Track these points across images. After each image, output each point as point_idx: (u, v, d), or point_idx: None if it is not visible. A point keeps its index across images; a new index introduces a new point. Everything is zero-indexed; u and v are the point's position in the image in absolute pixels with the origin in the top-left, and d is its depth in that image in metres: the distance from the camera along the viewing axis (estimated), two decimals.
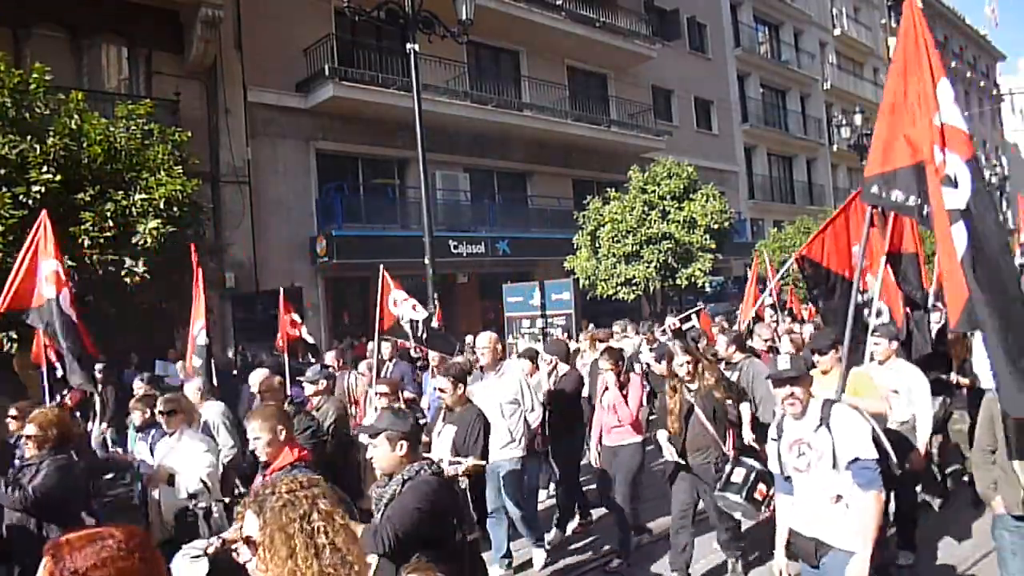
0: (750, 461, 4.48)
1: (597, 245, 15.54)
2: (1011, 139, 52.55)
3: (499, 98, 17.42)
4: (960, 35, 45.47)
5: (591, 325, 12.57)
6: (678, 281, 15.21)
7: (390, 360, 8.28)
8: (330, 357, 8.87)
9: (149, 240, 7.86)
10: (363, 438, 3.40)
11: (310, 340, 9.61)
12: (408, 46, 10.09)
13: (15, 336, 7.54)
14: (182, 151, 9.29)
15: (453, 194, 16.72)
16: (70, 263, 7.42)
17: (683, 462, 4.95)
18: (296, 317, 8.81)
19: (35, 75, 8.03)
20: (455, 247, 15.45)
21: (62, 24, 11.96)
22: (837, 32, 32.55)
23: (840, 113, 28.59)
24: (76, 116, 8.14)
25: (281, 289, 9.07)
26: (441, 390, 4.98)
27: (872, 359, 5.10)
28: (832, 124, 29.13)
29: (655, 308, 16.31)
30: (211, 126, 13.39)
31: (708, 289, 15.67)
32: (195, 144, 10.47)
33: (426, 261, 9.34)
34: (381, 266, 7.51)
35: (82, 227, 7.61)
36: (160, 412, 4.88)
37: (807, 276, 5.48)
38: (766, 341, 8.07)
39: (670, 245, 14.86)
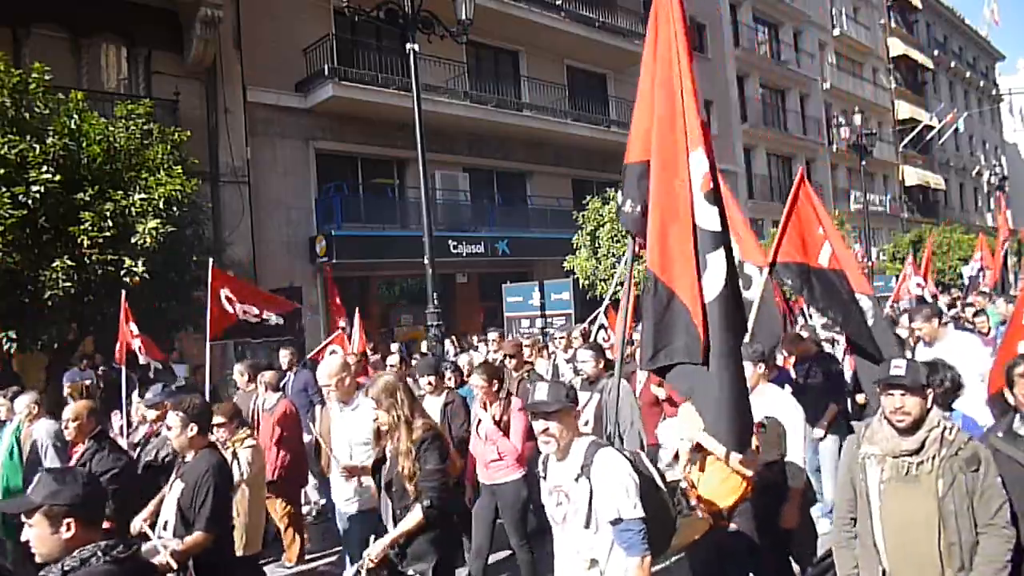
0: None
1: (597, 245, 15.53)
2: (1010, 139, 52.57)
3: (498, 98, 17.42)
4: (959, 35, 45.49)
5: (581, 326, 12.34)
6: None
7: (290, 370, 7.53)
8: (284, 356, 7.71)
9: (148, 240, 7.85)
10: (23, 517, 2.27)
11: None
12: (408, 46, 10.07)
13: (15, 336, 7.52)
14: (181, 151, 9.28)
15: (453, 194, 16.71)
16: (69, 263, 7.43)
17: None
18: (134, 328, 7.01)
19: (34, 75, 8.01)
20: (455, 247, 15.45)
21: (61, 24, 11.95)
22: (836, 32, 32.56)
23: (839, 113, 28.59)
24: (75, 116, 8.13)
25: (123, 293, 7.30)
26: (169, 427, 3.86)
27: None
28: (831, 124, 29.14)
29: None
30: (210, 126, 13.38)
31: None
32: (194, 144, 10.46)
33: (426, 261, 9.32)
34: (211, 260, 6.76)
35: (81, 227, 7.60)
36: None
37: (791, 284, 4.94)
38: None
39: None
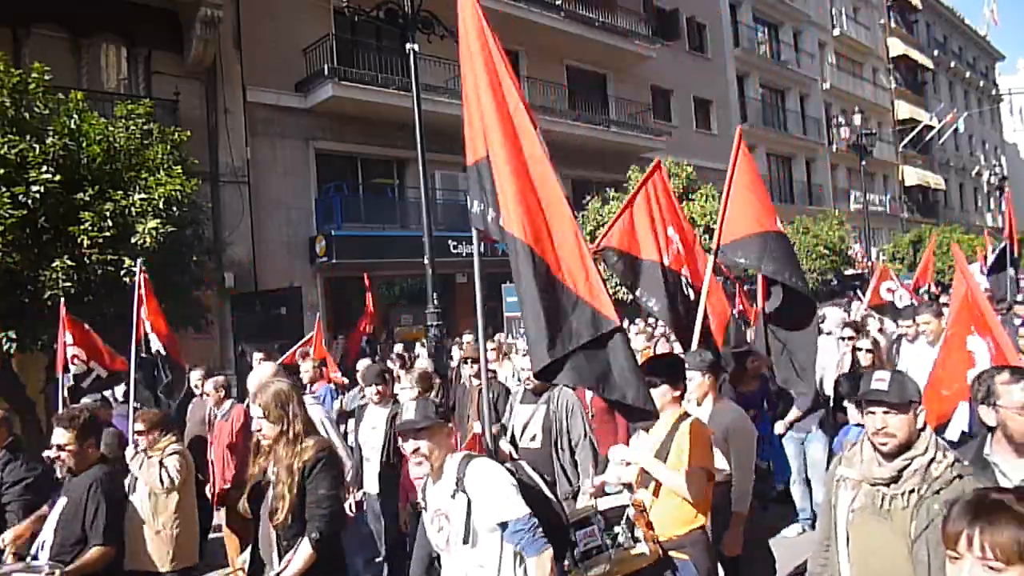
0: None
1: None
2: (1010, 139, 52.58)
3: None
4: (959, 35, 45.51)
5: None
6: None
7: (218, 406, 6.35)
8: (261, 362, 6.73)
9: (148, 240, 7.85)
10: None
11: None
12: (407, 46, 10.07)
13: (14, 336, 7.52)
14: (181, 151, 9.28)
15: (453, 194, 16.71)
16: (69, 263, 7.43)
17: None
18: (69, 337, 6.30)
19: (34, 75, 8.01)
20: (455, 247, 15.44)
21: (61, 24, 11.95)
22: (836, 32, 32.56)
23: (839, 113, 28.58)
24: (75, 116, 8.12)
25: (62, 300, 6.69)
26: (60, 445, 3.64)
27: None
28: (831, 124, 29.14)
29: None
30: (210, 126, 13.38)
31: None
32: (194, 144, 10.46)
33: (425, 261, 9.31)
34: (139, 261, 6.11)
35: (81, 227, 7.60)
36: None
37: (619, 272, 4.71)
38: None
39: None
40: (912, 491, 2.26)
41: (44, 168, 7.41)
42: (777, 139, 28.21)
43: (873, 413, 2.35)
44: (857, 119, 22.94)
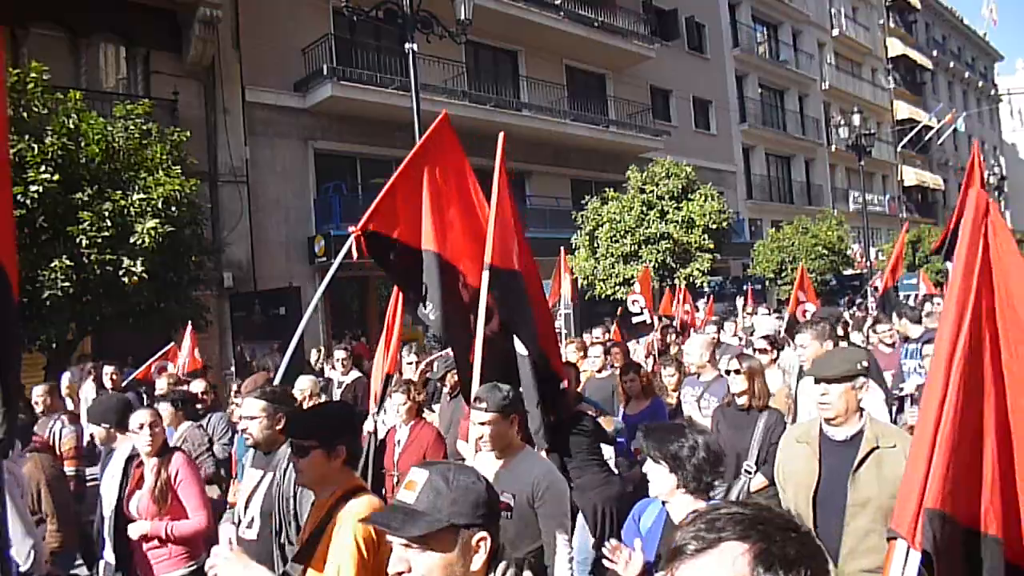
0: None
1: (596, 245, 15.54)
2: (1009, 139, 52.61)
3: (497, 98, 17.42)
4: (958, 35, 45.54)
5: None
6: (676, 281, 15.22)
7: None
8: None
9: (147, 240, 7.85)
10: None
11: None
12: (407, 46, 10.08)
13: None
14: (180, 151, 9.29)
15: None
16: (68, 263, 7.43)
17: None
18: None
19: (33, 74, 8.01)
20: None
21: (60, 23, 11.94)
22: (835, 32, 32.57)
23: (838, 113, 28.58)
24: (74, 115, 8.13)
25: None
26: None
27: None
28: (830, 124, 29.13)
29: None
30: (209, 126, 13.37)
31: (707, 289, 15.69)
32: (193, 144, 10.46)
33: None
34: None
35: (80, 227, 7.60)
36: None
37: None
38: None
39: (668, 245, 14.87)
40: None
41: (43, 168, 7.41)
42: (776, 139, 28.22)
43: None
44: (856, 119, 22.91)
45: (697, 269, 15.00)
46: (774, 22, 29.67)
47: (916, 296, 13.07)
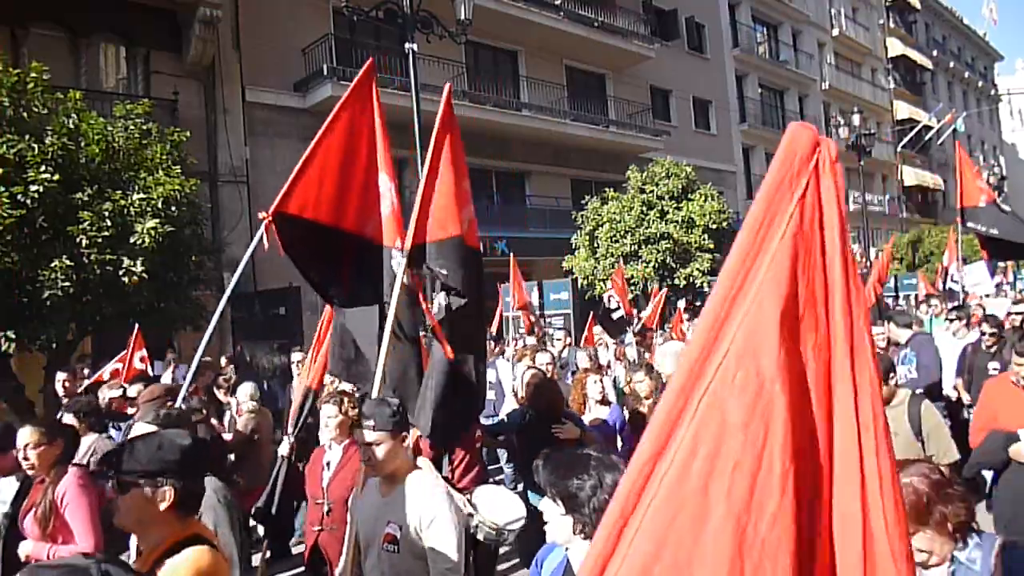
0: None
1: (595, 245, 15.55)
2: (1009, 139, 52.62)
3: (497, 98, 17.42)
4: (958, 35, 45.55)
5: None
6: (676, 281, 15.23)
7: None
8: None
9: (147, 240, 7.84)
10: None
11: None
12: (407, 46, 10.08)
13: (13, 336, 7.51)
14: (180, 151, 9.28)
15: None
16: (68, 263, 7.43)
17: None
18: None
19: (33, 74, 8.00)
20: None
21: (60, 23, 11.94)
22: (835, 32, 32.58)
23: (838, 113, 28.59)
24: (74, 115, 8.11)
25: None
26: None
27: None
28: (830, 124, 29.11)
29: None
30: (209, 126, 13.38)
31: (707, 289, 15.69)
32: (193, 144, 10.45)
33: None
34: None
35: (80, 227, 7.59)
36: None
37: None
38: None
39: (668, 245, 14.87)
40: None
41: (43, 168, 7.40)
42: (776, 139, 27.97)
43: None
44: (856, 119, 22.93)
45: (697, 269, 15.00)
46: (774, 22, 29.67)
47: (915, 297, 13.08)
